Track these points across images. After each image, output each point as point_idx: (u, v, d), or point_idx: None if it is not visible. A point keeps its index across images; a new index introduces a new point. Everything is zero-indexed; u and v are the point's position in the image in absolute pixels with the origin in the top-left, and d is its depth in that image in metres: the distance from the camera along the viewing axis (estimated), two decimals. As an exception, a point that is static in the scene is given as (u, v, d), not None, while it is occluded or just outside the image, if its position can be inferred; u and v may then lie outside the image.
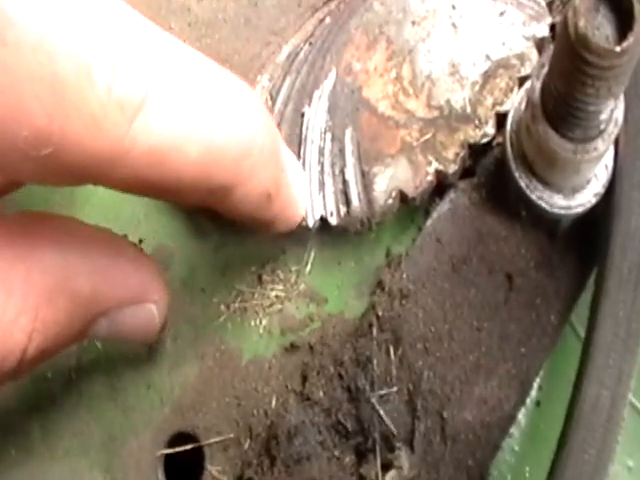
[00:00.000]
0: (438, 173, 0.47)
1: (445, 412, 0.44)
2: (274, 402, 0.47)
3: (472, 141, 0.47)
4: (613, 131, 0.40)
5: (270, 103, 0.50)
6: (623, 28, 0.35)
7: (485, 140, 0.48)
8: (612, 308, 0.40)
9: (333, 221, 0.48)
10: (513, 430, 0.47)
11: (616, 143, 0.43)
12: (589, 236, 0.45)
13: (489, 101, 0.48)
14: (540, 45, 0.49)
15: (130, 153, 0.32)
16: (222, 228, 0.50)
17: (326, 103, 0.49)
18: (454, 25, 0.49)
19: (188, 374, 0.49)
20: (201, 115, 0.34)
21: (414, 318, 0.45)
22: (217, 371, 0.48)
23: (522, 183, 0.44)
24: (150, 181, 0.34)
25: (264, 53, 0.51)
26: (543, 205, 0.44)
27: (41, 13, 0.29)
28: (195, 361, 0.49)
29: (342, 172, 0.48)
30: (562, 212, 0.44)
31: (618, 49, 0.35)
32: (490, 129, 0.48)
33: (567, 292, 0.46)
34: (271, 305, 0.49)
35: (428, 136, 0.48)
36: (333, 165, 0.48)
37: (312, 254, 0.50)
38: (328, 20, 0.51)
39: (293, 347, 0.48)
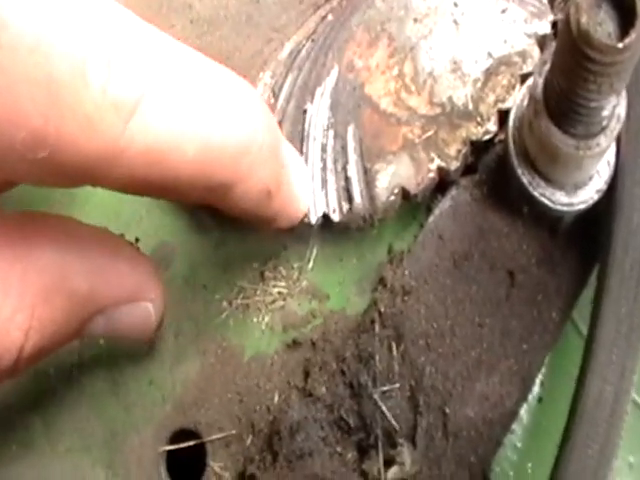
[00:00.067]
0: (440, 170, 0.48)
1: (447, 408, 0.44)
2: (276, 398, 0.47)
3: (474, 138, 0.47)
4: (615, 127, 0.40)
5: (272, 100, 0.50)
6: (625, 25, 0.35)
7: (487, 137, 0.48)
8: (614, 305, 0.40)
9: (335, 218, 0.48)
10: (515, 426, 0.47)
11: (618, 139, 0.43)
12: (591, 233, 0.46)
13: (491, 98, 0.48)
14: (542, 42, 0.49)
15: (126, 153, 0.32)
16: (223, 225, 0.50)
17: (328, 100, 0.49)
18: (456, 22, 0.49)
19: (190, 371, 0.49)
20: (198, 114, 0.34)
21: (416, 314, 0.45)
22: (219, 367, 0.48)
23: (524, 180, 0.44)
24: (148, 181, 0.34)
25: (266, 50, 0.51)
26: (545, 202, 0.44)
27: (36, 15, 0.29)
28: (197, 357, 0.49)
29: (344, 169, 0.48)
30: (564, 209, 0.44)
31: (620, 45, 0.35)
32: (492, 126, 0.48)
33: (569, 289, 0.46)
34: (273, 302, 0.49)
35: (430, 133, 0.48)
36: (335, 162, 0.48)
37: (314, 251, 0.50)
38: (330, 17, 0.51)
39: (295, 343, 0.48)
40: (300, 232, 0.49)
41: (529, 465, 0.47)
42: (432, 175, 0.47)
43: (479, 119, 0.48)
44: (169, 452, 0.48)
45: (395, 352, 0.45)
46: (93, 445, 0.49)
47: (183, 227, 0.51)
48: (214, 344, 0.49)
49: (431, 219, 0.48)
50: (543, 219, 0.46)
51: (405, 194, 0.48)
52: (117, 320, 0.41)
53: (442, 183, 0.49)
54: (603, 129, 0.40)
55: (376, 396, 0.44)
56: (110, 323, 0.40)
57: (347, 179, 0.48)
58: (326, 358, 0.46)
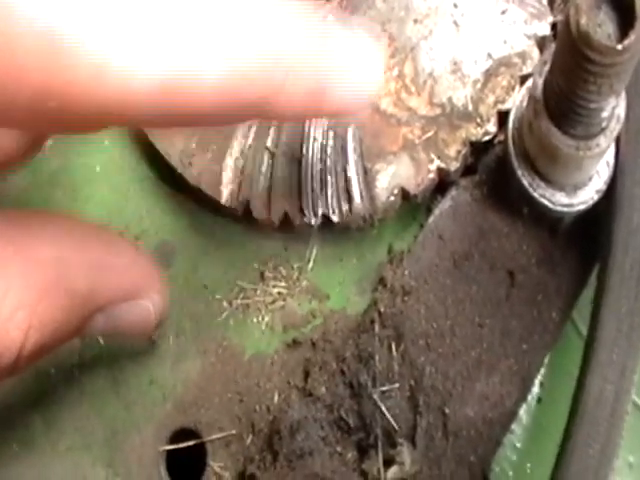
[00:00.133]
0: (440, 170, 0.48)
1: (447, 408, 0.44)
2: (276, 398, 0.47)
3: (474, 139, 0.48)
4: (615, 128, 0.40)
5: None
6: (625, 26, 0.36)
7: (487, 138, 0.48)
8: (615, 304, 0.40)
9: (335, 218, 0.48)
10: (514, 426, 0.47)
11: (617, 140, 0.43)
12: (590, 233, 0.46)
13: (491, 99, 0.48)
14: (541, 43, 0.49)
15: (140, 92, 0.30)
16: (224, 224, 0.50)
17: (328, 100, 0.49)
18: (456, 23, 0.50)
19: (190, 370, 0.49)
20: (216, 39, 0.31)
21: (416, 314, 0.46)
22: (219, 367, 0.49)
23: (524, 181, 0.44)
24: (169, 114, 0.32)
25: (267, 51, 0.51)
26: (545, 203, 0.44)
27: None
28: (197, 357, 0.49)
29: (344, 169, 0.48)
30: (564, 210, 0.44)
31: (620, 47, 0.35)
32: (492, 127, 0.48)
33: (568, 289, 0.46)
34: (273, 302, 0.49)
35: (430, 134, 0.48)
36: (335, 162, 0.48)
37: (314, 251, 0.50)
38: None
39: (295, 343, 0.48)
40: (300, 232, 0.49)
41: (528, 465, 0.47)
42: (432, 176, 0.48)
43: (479, 120, 0.48)
44: (169, 451, 0.48)
45: (395, 352, 0.45)
46: (94, 444, 0.49)
47: (184, 227, 0.51)
48: (214, 344, 0.49)
49: (431, 219, 0.48)
50: (543, 219, 0.46)
51: (405, 194, 0.48)
52: (117, 318, 0.41)
53: (442, 183, 0.49)
54: (603, 130, 0.40)
55: (376, 396, 0.44)
56: (110, 321, 0.40)
57: (347, 179, 0.48)
58: (326, 358, 0.46)
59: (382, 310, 0.46)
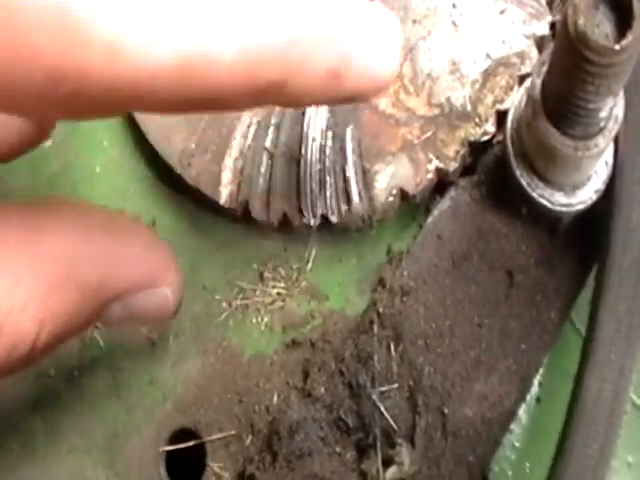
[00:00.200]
0: (439, 171, 0.48)
1: (446, 408, 0.44)
2: (275, 398, 0.47)
3: (472, 139, 0.48)
4: (613, 128, 0.40)
5: (271, 101, 0.50)
6: (623, 26, 0.36)
7: (485, 138, 0.48)
8: (613, 303, 0.40)
9: (334, 219, 0.48)
10: (513, 426, 0.47)
11: (616, 139, 0.43)
12: (589, 233, 0.46)
13: (489, 99, 0.48)
14: (540, 43, 0.49)
15: (157, 74, 0.29)
16: (224, 225, 0.50)
17: (327, 101, 0.49)
18: (454, 23, 0.50)
19: (190, 371, 0.49)
20: (227, 14, 0.30)
21: (415, 315, 0.46)
22: (219, 368, 0.49)
23: (523, 181, 0.44)
24: (187, 97, 0.31)
25: (265, 51, 0.51)
26: (544, 203, 0.44)
27: None
28: (197, 358, 0.49)
29: (343, 170, 0.48)
30: (563, 209, 0.44)
31: (617, 47, 0.35)
32: (490, 127, 0.48)
33: (567, 289, 0.46)
34: (273, 302, 0.49)
35: (429, 134, 0.48)
36: (334, 163, 0.48)
37: (313, 251, 0.50)
38: None
39: (294, 344, 0.48)
40: (299, 233, 0.49)
41: (527, 465, 0.47)
42: (431, 176, 0.48)
43: (477, 120, 0.48)
44: (169, 452, 0.48)
45: (394, 352, 0.45)
46: (94, 446, 0.49)
47: (183, 227, 0.51)
48: (214, 344, 0.49)
49: (430, 220, 0.48)
50: (542, 219, 0.46)
51: (404, 195, 0.48)
52: (134, 306, 0.39)
53: (441, 184, 0.49)
54: (601, 130, 0.40)
55: (375, 396, 0.44)
56: (127, 309, 0.39)
57: (346, 180, 0.48)
58: (325, 358, 0.46)
59: (381, 310, 0.46)
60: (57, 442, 0.49)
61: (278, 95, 0.33)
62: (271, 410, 0.47)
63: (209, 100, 0.32)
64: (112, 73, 0.29)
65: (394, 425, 0.44)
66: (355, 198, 0.48)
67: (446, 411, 0.44)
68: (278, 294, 0.50)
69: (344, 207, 0.48)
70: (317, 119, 0.49)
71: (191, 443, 0.47)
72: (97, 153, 0.53)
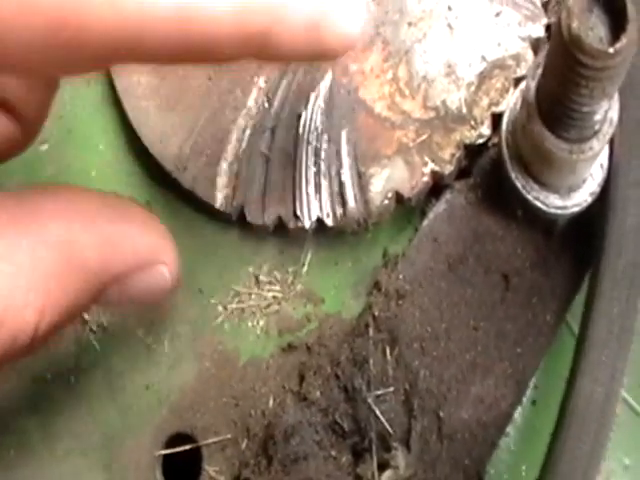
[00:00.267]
0: (434, 174, 0.48)
1: (442, 411, 0.44)
2: (271, 402, 0.47)
3: (468, 142, 0.48)
4: (608, 131, 0.40)
5: (267, 104, 0.50)
6: (617, 29, 0.36)
7: (481, 141, 0.48)
8: (606, 306, 0.40)
9: (330, 222, 0.48)
10: (509, 429, 0.47)
11: (611, 142, 0.43)
12: (585, 236, 0.46)
13: (485, 102, 0.48)
14: (536, 45, 0.49)
15: (155, 17, 0.30)
16: (219, 228, 0.50)
17: (322, 104, 0.49)
18: (450, 26, 0.50)
19: (186, 375, 0.49)
20: None
21: (411, 318, 0.46)
22: (215, 372, 0.49)
23: (518, 184, 0.44)
24: (182, 45, 0.32)
25: (261, 55, 0.51)
26: (539, 205, 0.44)
27: None
28: (193, 362, 0.49)
29: (338, 173, 0.48)
30: (558, 212, 0.44)
31: (611, 50, 0.35)
32: (486, 130, 0.48)
33: (563, 292, 0.46)
34: (268, 306, 0.49)
35: (424, 137, 0.48)
36: (329, 166, 0.48)
37: (309, 255, 0.50)
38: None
39: (290, 347, 0.48)
40: (295, 236, 0.49)
41: (523, 467, 0.47)
42: (426, 179, 0.48)
43: (473, 123, 0.48)
44: (165, 456, 0.48)
45: (390, 356, 0.45)
46: (90, 449, 0.49)
47: (178, 231, 0.51)
48: (210, 348, 0.49)
49: (426, 223, 0.48)
50: (537, 222, 0.46)
51: (399, 198, 0.48)
52: (132, 287, 0.39)
53: (436, 187, 0.49)
54: (596, 133, 0.40)
55: (370, 400, 0.44)
56: (124, 290, 0.39)
57: (341, 183, 0.48)
58: (321, 362, 0.46)
59: (377, 314, 0.46)
60: (53, 445, 0.49)
61: (263, 46, 0.34)
62: (267, 414, 0.47)
63: (201, 50, 0.33)
64: (111, 19, 0.29)
65: (390, 429, 0.44)
66: (350, 201, 0.48)
67: (442, 414, 0.44)
68: (274, 298, 0.50)
69: (339, 210, 0.48)
70: (312, 122, 0.49)
71: (187, 447, 0.47)
72: (93, 157, 0.53)
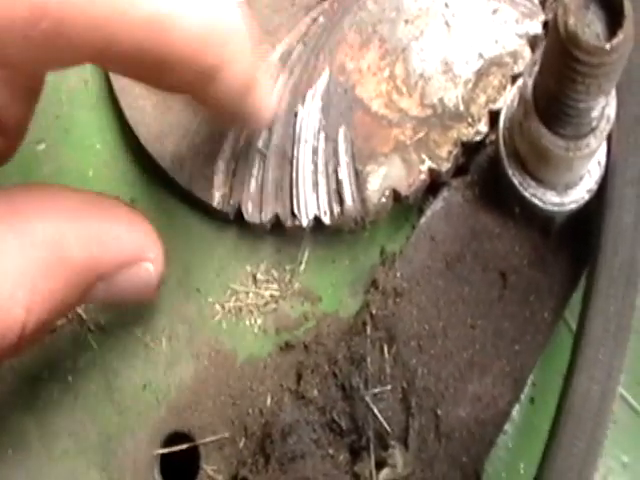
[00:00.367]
0: (431, 171, 0.48)
1: (439, 409, 0.44)
2: (269, 401, 0.47)
3: (465, 139, 0.47)
4: (605, 128, 0.40)
5: (264, 103, 0.50)
6: (613, 25, 0.35)
7: (478, 138, 0.48)
8: (603, 303, 0.40)
9: (327, 220, 0.48)
10: (507, 427, 0.47)
11: (609, 139, 0.43)
12: (582, 233, 0.46)
13: (482, 99, 0.48)
14: (533, 43, 0.49)
15: (130, 19, 0.31)
16: (217, 227, 0.50)
17: (319, 102, 0.49)
18: (447, 23, 0.49)
19: (184, 374, 0.49)
20: None
21: (408, 316, 0.46)
22: (212, 371, 0.49)
23: (515, 180, 0.44)
24: (147, 54, 0.33)
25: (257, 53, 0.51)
26: (536, 202, 0.44)
27: None
28: (190, 361, 0.49)
29: (336, 171, 0.48)
30: (556, 209, 0.44)
31: (608, 46, 0.35)
32: (483, 127, 0.48)
33: (561, 289, 0.46)
34: (266, 304, 0.49)
35: (421, 134, 0.48)
36: (326, 164, 0.48)
37: (306, 253, 0.50)
38: (321, 19, 0.51)
39: (288, 346, 0.48)
40: (292, 235, 0.49)
41: (521, 465, 0.47)
42: (423, 176, 0.47)
43: (470, 120, 0.48)
44: (163, 455, 0.48)
45: (387, 354, 0.45)
46: (88, 448, 0.49)
47: (175, 230, 0.51)
48: (207, 347, 0.49)
49: (423, 220, 0.48)
50: (535, 219, 0.46)
51: (396, 196, 0.48)
52: (118, 284, 0.40)
53: (434, 184, 0.49)
54: (593, 130, 0.40)
55: (368, 398, 0.44)
56: (111, 288, 0.40)
57: (338, 181, 0.48)
58: (318, 360, 0.46)
59: (374, 312, 0.46)
60: (51, 444, 0.49)
61: (207, 87, 0.38)
62: (264, 413, 0.47)
63: (160, 65, 0.35)
64: (90, 9, 0.30)
65: (387, 427, 0.44)
66: (348, 199, 0.47)
67: (439, 412, 0.44)
68: (271, 296, 0.49)
69: (337, 209, 0.48)
70: (309, 120, 0.49)
71: (185, 446, 0.47)
72: (89, 156, 0.53)
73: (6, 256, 0.34)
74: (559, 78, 0.37)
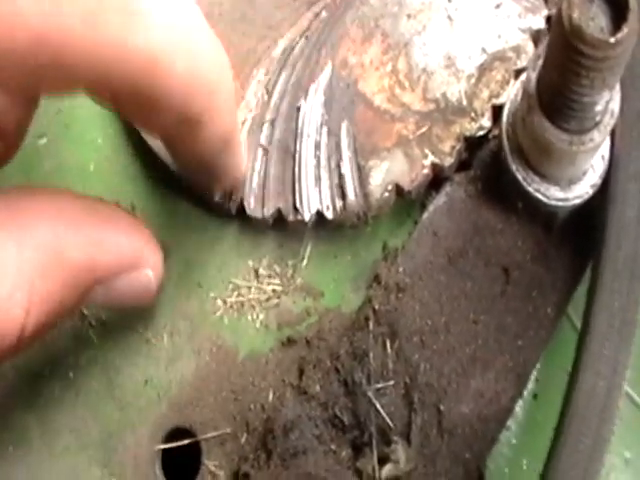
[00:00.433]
0: (434, 166, 0.47)
1: (442, 405, 0.44)
2: (271, 396, 0.47)
3: (468, 134, 0.47)
4: (609, 122, 0.40)
5: (266, 97, 0.50)
6: (617, 19, 0.35)
7: (481, 133, 0.48)
8: (607, 299, 0.40)
9: (329, 215, 0.48)
10: (510, 423, 0.47)
11: (612, 134, 0.42)
12: (585, 228, 0.45)
13: (485, 94, 0.48)
14: (536, 37, 0.49)
15: (127, 57, 0.32)
16: (218, 222, 0.50)
17: (322, 97, 0.49)
18: (450, 18, 0.49)
19: (185, 369, 0.49)
20: (189, 34, 0.35)
21: (410, 311, 0.45)
22: (214, 366, 0.48)
23: (519, 176, 0.44)
24: (140, 93, 0.34)
25: (260, 47, 0.51)
26: (540, 197, 0.44)
27: None
28: (192, 356, 0.49)
29: (338, 166, 0.48)
30: (559, 204, 0.44)
31: (612, 40, 0.34)
32: (486, 122, 0.48)
33: (563, 284, 0.46)
34: (268, 299, 0.49)
35: (424, 129, 0.48)
36: (329, 159, 0.48)
37: (308, 248, 0.50)
38: (324, 14, 0.51)
39: (290, 341, 0.48)
40: (294, 230, 0.49)
41: (524, 461, 0.47)
42: (426, 171, 0.47)
43: (473, 115, 0.48)
44: (164, 451, 0.48)
45: (389, 349, 0.45)
46: (89, 445, 0.49)
47: (177, 225, 0.51)
48: (209, 343, 0.49)
49: (425, 216, 0.48)
50: (538, 215, 0.46)
51: (399, 191, 0.48)
52: (117, 289, 0.40)
53: (436, 179, 0.48)
54: (596, 124, 0.40)
55: (370, 394, 0.44)
56: (110, 292, 0.40)
57: (341, 176, 0.47)
58: (321, 356, 0.46)
59: (376, 307, 0.45)
60: (52, 441, 0.49)
61: (189, 135, 0.39)
62: (266, 408, 0.47)
63: (150, 104, 0.35)
64: (89, 42, 0.31)
65: (390, 422, 0.44)
66: (350, 194, 0.47)
67: (442, 408, 0.44)
68: (273, 291, 0.49)
69: (339, 203, 0.48)
70: (312, 115, 0.48)
71: (186, 442, 0.47)
72: (91, 151, 0.53)
73: (5, 258, 0.34)
74: (563, 72, 0.37)
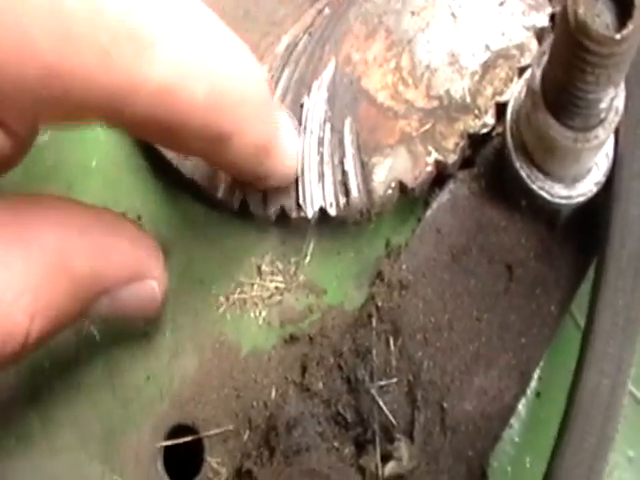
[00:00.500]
0: (437, 163, 0.47)
1: (445, 403, 0.44)
2: (273, 393, 0.47)
3: (472, 131, 0.47)
4: (614, 120, 0.40)
5: (269, 94, 0.49)
6: (623, 15, 0.35)
7: (485, 130, 0.47)
8: (611, 297, 0.40)
9: (332, 212, 0.47)
10: (513, 421, 0.47)
11: (617, 132, 0.42)
12: (589, 226, 0.45)
13: (489, 91, 0.48)
14: (540, 35, 0.49)
15: (141, 89, 0.32)
16: (221, 219, 0.50)
17: (325, 94, 0.48)
18: (453, 15, 0.49)
19: (187, 366, 0.48)
20: (206, 57, 0.35)
21: (414, 309, 0.45)
22: (216, 363, 0.48)
23: (523, 173, 0.44)
24: (158, 121, 0.34)
25: (263, 44, 0.51)
26: (544, 195, 0.44)
27: None
28: (194, 353, 0.49)
29: (341, 163, 0.48)
30: (563, 202, 0.44)
31: (618, 36, 0.34)
32: (490, 119, 0.47)
33: (567, 282, 0.46)
34: (270, 296, 0.49)
35: (427, 126, 0.48)
36: (332, 156, 0.48)
37: (311, 245, 0.50)
38: (327, 10, 0.51)
39: (292, 338, 0.48)
40: (297, 226, 0.49)
41: (527, 459, 0.47)
42: (430, 169, 0.47)
43: (477, 112, 0.47)
44: (166, 447, 0.48)
45: (393, 347, 0.45)
46: (91, 441, 0.49)
47: (179, 221, 0.51)
48: (211, 339, 0.49)
49: (429, 213, 0.48)
50: (541, 212, 0.46)
51: (402, 188, 0.47)
52: (122, 300, 0.41)
53: (440, 177, 0.48)
54: (601, 121, 0.40)
55: (373, 391, 0.44)
56: (114, 303, 0.40)
57: (344, 173, 0.47)
58: (323, 353, 0.46)
59: (380, 304, 0.45)
60: (53, 437, 0.49)
61: (221, 151, 0.38)
62: (269, 405, 0.47)
63: (171, 132, 0.35)
64: (102, 78, 0.31)
65: (393, 420, 0.43)
66: (354, 191, 0.47)
67: (445, 406, 0.44)
68: (276, 288, 0.49)
69: (342, 200, 0.47)
70: (315, 111, 0.48)
71: (188, 438, 0.47)
72: (93, 147, 0.53)
73: (11, 263, 0.34)
74: (568, 68, 0.37)
